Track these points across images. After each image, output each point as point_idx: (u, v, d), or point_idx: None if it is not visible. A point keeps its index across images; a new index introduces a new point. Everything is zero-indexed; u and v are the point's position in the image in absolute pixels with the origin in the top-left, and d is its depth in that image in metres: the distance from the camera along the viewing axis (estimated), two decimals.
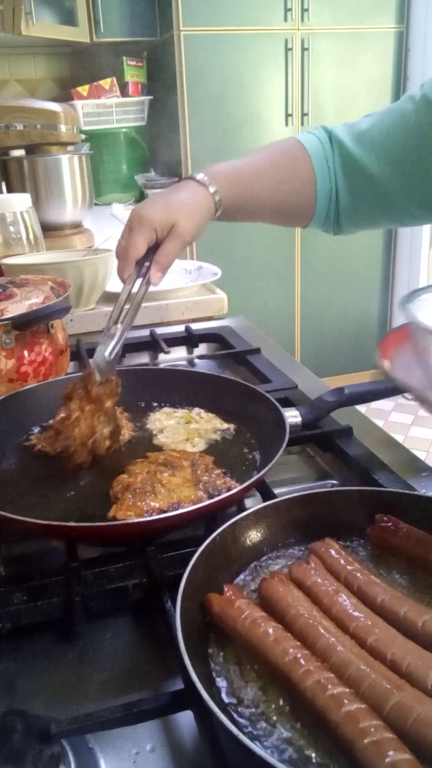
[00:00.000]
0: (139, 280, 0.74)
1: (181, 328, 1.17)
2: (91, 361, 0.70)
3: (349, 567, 0.48)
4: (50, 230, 1.63)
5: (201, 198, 0.79)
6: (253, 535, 0.53)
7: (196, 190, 0.80)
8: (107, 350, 0.70)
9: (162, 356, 1.10)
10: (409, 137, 0.82)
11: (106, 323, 0.72)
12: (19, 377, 0.83)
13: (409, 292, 0.64)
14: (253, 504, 0.55)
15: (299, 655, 0.39)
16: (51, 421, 0.76)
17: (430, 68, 3.22)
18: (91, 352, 1.07)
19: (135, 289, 0.74)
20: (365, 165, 0.85)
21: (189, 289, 1.37)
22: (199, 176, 0.81)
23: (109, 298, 1.33)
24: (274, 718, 0.39)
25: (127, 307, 0.72)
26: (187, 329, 1.16)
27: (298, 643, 0.41)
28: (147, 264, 0.75)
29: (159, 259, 0.75)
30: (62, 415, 0.68)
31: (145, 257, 0.74)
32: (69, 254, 1.36)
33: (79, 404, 0.68)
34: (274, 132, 3.20)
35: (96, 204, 2.47)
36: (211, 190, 0.80)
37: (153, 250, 0.75)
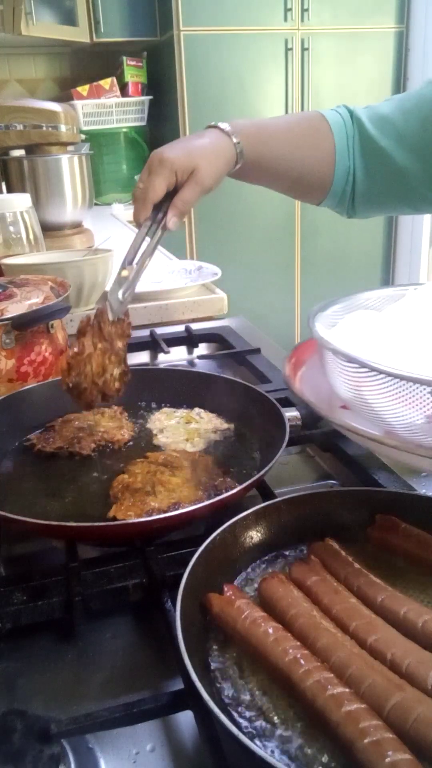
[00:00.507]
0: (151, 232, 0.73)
1: (181, 328, 1.17)
2: (105, 299, 0.71)
3: (349, 567, 0.48)
4: (50, 230, 1.63)
5: (224, 145, 0.77)
6: (253, 535, 0.53)
7: (220, 137, 0.78)
8: (120, 291, 0.70)
9: (162, 356, 1.10)
10: (428, 123, 0.81)
11: (121, 264, 0.71)
12: (19, 377, 0.83)
13: (322, 304, 0.65)
14: (253, 504, 0.55)
15: (299, 655, 0.39)
16: (52, 422, 0.77)
17: (430, 68, 3.22)
18: None
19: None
20: (384, 148, 0.84)
21: (189, 289, 1.37)
22: (223, 125, 0.79)
23: None
24: (274, 718, 0.39)
25: (142, 251, 0.72)
26: (187, 329, 1.16)
27: (298, 643, 0.41)
28: (164, 209, 0.73)
29: (177, 204, 0.73)
30: (75, 350, 0.69)
31: (162, 202, 0.73)
32: (69, 254, 1.36)
33: (92, 340, 0.69)
34: None
35: (96, 204, 2.47)
36: (234, 140, 0.78)
37: (171, 195, 0.73)
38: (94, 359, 0.68)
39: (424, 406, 0.50)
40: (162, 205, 0.73)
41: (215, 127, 0.79)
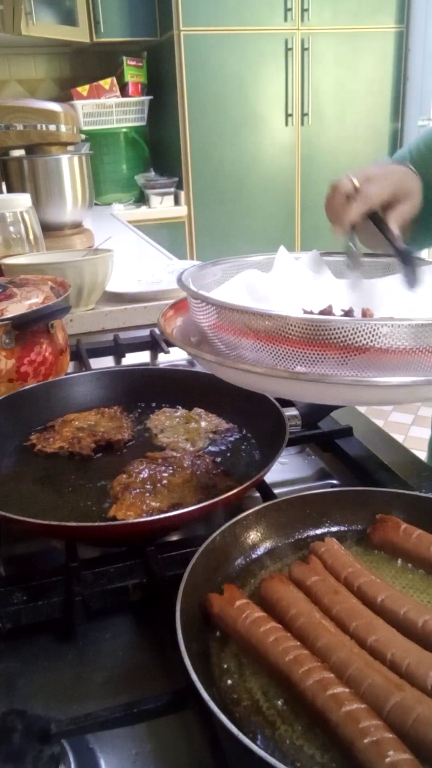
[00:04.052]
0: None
1: None
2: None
3: (349, 567, 0.48)
4: (50, 230, 1.63)
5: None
6: (253, 535, 0.53)
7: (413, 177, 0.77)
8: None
9: (162, 356, 1.10)
10: None
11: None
12: (19, 377, 0.83)
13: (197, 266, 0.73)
14: (253, 504, 0.55)
15: (299, 655, 0.39)
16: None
17: (430, 68, 3.22)
18: (91, 352, 1.07)
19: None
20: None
21: None
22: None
23: (109, 298, 1.33)
24: (274, 718, 0.39)
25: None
26: None
27: (298, 643, 0.41)
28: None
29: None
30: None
31: None
32: (69, 254, 1.36)
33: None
34: (274, 132, 3.20)
35: (96, 204, 2.48)
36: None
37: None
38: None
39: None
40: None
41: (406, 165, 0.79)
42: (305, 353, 0.51)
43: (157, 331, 1.15)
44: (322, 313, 0.65)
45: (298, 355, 0.51)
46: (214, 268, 0.73)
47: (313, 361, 0.51)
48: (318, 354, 0.51)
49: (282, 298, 0.66)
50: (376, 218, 0.72)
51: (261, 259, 0.76)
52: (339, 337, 0.49)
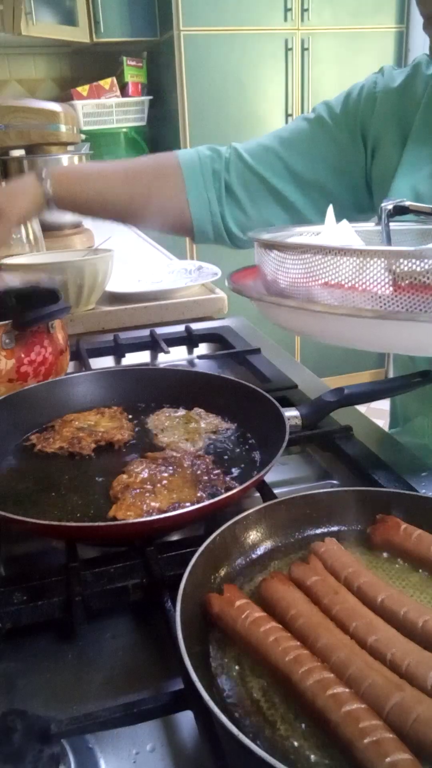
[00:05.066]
0: None
1: (181, 328, 1.17)
2: None
3: (349, 567, 0.48)
4: (50, 230, 1.63)
5: (28, 186, 0.94)
6: (253, 535, 0.53)
7: (27, 180, 0.95)
8: None
9: (162, 356, 1.10)
10: (305, 153, 0.92)
11: None
12: (19, 377, 0.83)
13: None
14: (253, 504, 0.55)
15: (299, 655, 0.39)
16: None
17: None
18: (91, 352, 1.07)
19: None
20: (262, 175, 0.94)
21: (189, 289, 1.37)
22: (43, 170, 0.95)
23: (109, 298, 1.33)
24: (274, 718, 0.39)
25: None
26: (187, 329, 1.16)
27: (298, 643, 0.41)
28: None
29: None
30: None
31: None
32: (69, 254, 1.36)
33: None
34: None
35: None
36: (43, 179, 0.93)
37: None
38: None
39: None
40: None
41: (33, 173, 0.96)
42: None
43: (157, 331, 1.15)
44: None
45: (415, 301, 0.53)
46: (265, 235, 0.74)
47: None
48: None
49: None
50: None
51: (306, 229, 0.78)
52: None
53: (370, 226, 0.76)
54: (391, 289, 0.55)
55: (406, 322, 0.54)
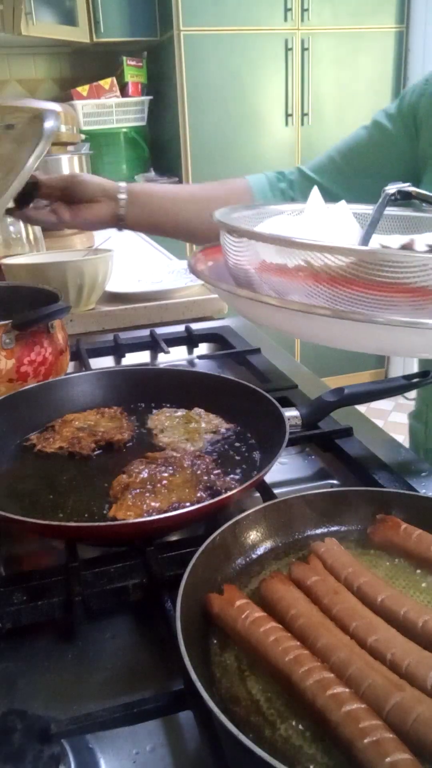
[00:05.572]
0: None
1: (181, 328, 1.17)
2: None
3: (349, 567, 0.48)
4: (50, 230, 1.63)
5: (103, 206, 1.00)
6: (253, 535, 0.53)
7: (103, 203, 1.00)
8: None
9: (162, 356, 1.10)
10: (363, 158, 0.98)
11: None
12: (19, 377, 0.83)
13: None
14: (253, 504, 0.55)
15: (299, 655, 0.39)
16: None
17: (430, 68, 3.21)
18: (91, 352, 1.07)
19: None
20: (325, 187, 0.95)
21: (189, 289, 1.37)
22: (122, 189, 1.00)
23: (109, 298, 1.33)
24: (274, 718, 0.39)
25: None
26: (187, 329, 1.16)
27: (298, 643, 0.41)
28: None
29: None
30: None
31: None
32: (69, 254, 1.36)
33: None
34: (274, 132, 3.20)
35: None
36: (118, 199, 0.99)
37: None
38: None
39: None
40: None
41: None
42: (378, 298, 0.50)
43: (157, 331, 1.15)
44: (404, 247, 0.66)
45: (366, 300, 0.51)
46: (246, 212, 0.74)
47: (383, 306, 0.50)
48: (389, 298, 0.50)
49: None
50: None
51: (288, 207, 0.78)
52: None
53: (370, 209, 0.75)
54: (310, 279, 0.54)
55: (332, 317, 0.52)
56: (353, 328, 0.52)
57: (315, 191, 0.74)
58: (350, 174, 0.99)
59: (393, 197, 0.68)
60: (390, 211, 0.73)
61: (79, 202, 0.99)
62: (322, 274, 0.53)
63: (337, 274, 0.52)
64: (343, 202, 0.74)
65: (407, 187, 0.68)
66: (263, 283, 0.59)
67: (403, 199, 0.69)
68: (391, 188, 0.68)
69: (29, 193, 0.99)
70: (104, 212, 0.99)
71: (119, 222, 1.01)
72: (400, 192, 0.68)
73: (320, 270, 0.53)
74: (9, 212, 1.01)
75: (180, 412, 0.79)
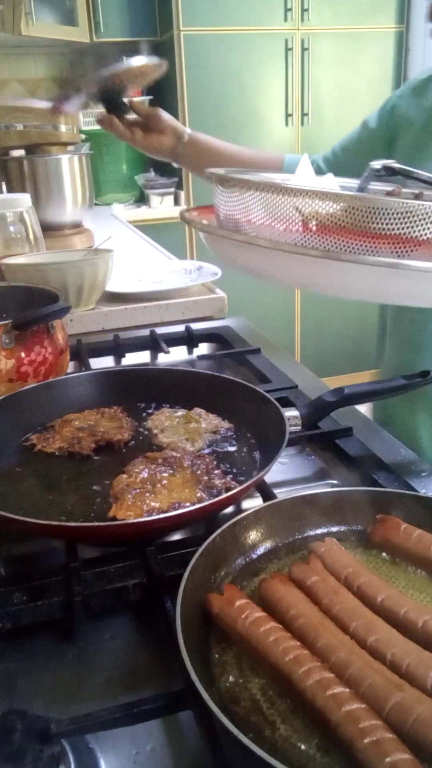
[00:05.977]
0: None
1: (181, 328, 1.17)
2: None
3: (349, 567, 0.48)
4: (50, 230, 1.63)
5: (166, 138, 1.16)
6: (253, 535, 0.53)
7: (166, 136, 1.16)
8: None
9: (162, 356, 1.10)
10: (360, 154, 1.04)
11: None
12: (19, 377, 0.83)
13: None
14: (253, 504, 0.55)
15: (299, 655, 0.39)
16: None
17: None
18: (91, 352, 1.07)
19: None
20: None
21: (189, 289, 1.37)
22: (188, 129, 1.17)
23: (109, 298, 1.33)
24: (274, 718, 0.39)
25: None
26: (187, 329, 1.16)
27: (298, 643, 0.41)
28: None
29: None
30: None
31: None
32: (69, 254, 1.36)
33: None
34: (274, 132, 3.20)
35: (96, 204, 2.47)
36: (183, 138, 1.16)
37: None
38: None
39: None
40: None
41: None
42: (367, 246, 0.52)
43: (157, 331, 1.15)
44: (389, 194, 0.67)
45: (355, 248, 0.52)
46: (239, 175, 0.75)
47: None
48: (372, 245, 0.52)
49: None
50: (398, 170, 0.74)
51: (280, 176, 0.79)
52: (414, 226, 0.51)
53: (355, 183, 0.76)
54: (299, 228, 0.55)
55: (321, 261, 0.53)
56: (342, 271, 0.54)
57: (305, 158, 0.75)
58: (344, 168, 1.03)
59: (378, 173, 0.68)
60: (375, 186, 0.74)
61: (152, 131, 1.15)
62: (309, 225, 0.55)
63: (326, 222, 0.54)
64: (330, 174, 0.74)
65: (392, 163, 0.68)
66: (254, 234, 0.60)
67: (388, 175, 0.70)
68: (376, 164, 0.68)
69: (120, 107, 1.15)
70: (167, 144, 1.15)
71: (176, 157, 1.17)
72: (385, 168, 0.68)
73: (309, 218, 0.55)
74: (99, 121, 1.19)
75: (180, 412, 0.79)
